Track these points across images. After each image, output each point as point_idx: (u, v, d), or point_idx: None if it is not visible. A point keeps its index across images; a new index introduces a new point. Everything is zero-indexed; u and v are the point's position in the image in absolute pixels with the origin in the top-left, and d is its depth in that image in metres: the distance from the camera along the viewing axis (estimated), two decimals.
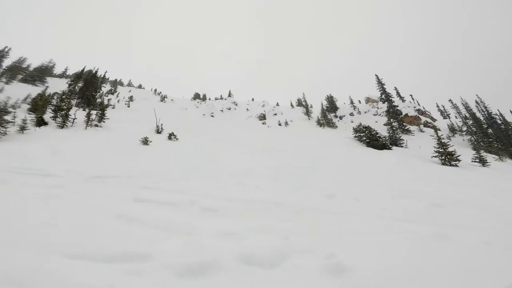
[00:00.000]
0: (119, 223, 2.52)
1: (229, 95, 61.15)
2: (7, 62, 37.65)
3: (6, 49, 35.87)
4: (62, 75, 53.02)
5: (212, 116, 41.25)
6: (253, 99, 63.20)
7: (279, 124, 35.92)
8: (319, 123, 36.71)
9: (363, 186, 6.76)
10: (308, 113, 43.08)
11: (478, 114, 35.61)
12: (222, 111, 46.00)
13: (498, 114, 35.25)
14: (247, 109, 48.58)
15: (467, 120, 35.58)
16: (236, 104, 53.46)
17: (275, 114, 43.60)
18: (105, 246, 1.98)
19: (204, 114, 41.16)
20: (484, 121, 34.24)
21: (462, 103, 38.58)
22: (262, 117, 41.92)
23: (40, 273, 1.50)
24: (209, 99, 61.97)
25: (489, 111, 35.08)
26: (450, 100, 42.04)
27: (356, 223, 3.46)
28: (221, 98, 60.71)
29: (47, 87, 34.87)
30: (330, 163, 10.77)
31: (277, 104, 57.27)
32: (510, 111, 39.97)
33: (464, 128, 35.49)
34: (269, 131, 27.84)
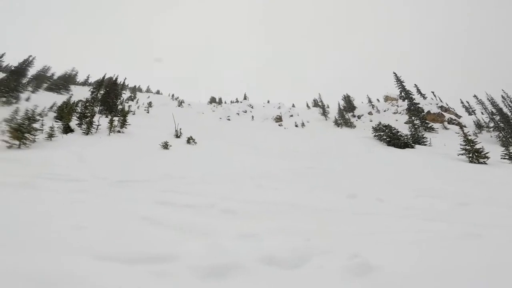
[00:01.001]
0: (144, 226, 2.58)
1: (245, 98, 61.49)
2: (32, 71, 39.55)
3: (31, 58, 37.70)
4: (85, 83, 55.27)
5: (229, 119, 41.59)
6: (268, 101, 63.22)
7: (296, 126, 35.65)
8: (337, 123, 36.13)
9: (384, 186, 6.58)
10: (325, 113, 42.53)
11: (505, 109, 33.80)
12: (238, 114, 46.31)
13: None
14: (263, 112, 48.60)
15: (494, 116, 33.80)
16: (252, 107, 53.65)
17: (291, 116, 43.37)
18: (131, 248, 2.04)
19: (220, 118, 41.59)
20: None
21: (488, 99, 36.72)
22: (279, 119, 41.80)
23: (71, 275, 1.55)
24: (225, 102, 62.62)
25: None
26: (475, 96, 40.12)
27: (379, 223, 3.37)
28: (237, 101, 61.17)
29: (72, 95, 36.36)
30: (350, 164, 10.57)
31: (293, 106, 56.97)
32: None
33: (491, 124, 33.71)
34: (285, 132, 27.70)
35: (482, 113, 38.09)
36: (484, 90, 39.39)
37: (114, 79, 32.96)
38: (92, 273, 1.61)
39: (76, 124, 12.87)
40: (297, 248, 2.26)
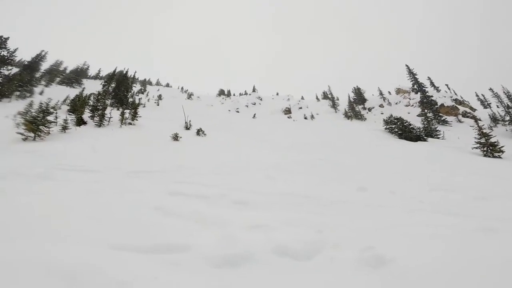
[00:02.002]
0: (157, 216, 2.61)
1: (253, 90, 61.19)
2: (44, 66, 40.40)
3: (43, 53, 38.46)
4: (96, 77, 56.05)
5: (238, 111, 41.55)
6: (277, 94, 62.83)
7: (305, 118, 35.36)
8: (347, 116, 35.66)
9: (397, 179, 6.49)
10: (334, 105, 42.01)
11: None
12: (247, 106, 46.22)
13: None
14: (272, 104, 48.33)
15: (510, 109, 32.70)
16: (261, 99, 53.42)
17: (300, 108, 43.02)
18: (145, 238, 2.06)
19: (229, 110, 41.60)
20: None
21: (504, 92, 35.50)
22: (287, 111, 41.53)
23: (88, 266, 1.57)
24: (234, 95, 62.51)
25: None
26: (490, 89, 38.81)
27: (393, 216, 3.32)
28: (246, 94, 60.98)
29: (84, 88, 36.93)
30: (360, 156, 10.44)
31: (302, 98, 56.44)
32: None
33: (507, 118, 32.65)
34: (295, 125, 27.52)
35: (497, 106, 36.88)
36: (500, 83, 38.07)
37: (124, 72, 33.27)
38: (108, 263, 1.63)
39: (88, 117, 13.09)
40: (309, 240, 2.25)
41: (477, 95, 46.20)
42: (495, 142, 14.11)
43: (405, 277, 1.71)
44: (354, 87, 46.34)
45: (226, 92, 64.37)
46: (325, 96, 53.15)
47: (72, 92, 32.32)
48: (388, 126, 22.09)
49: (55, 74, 42.33)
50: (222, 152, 8.99)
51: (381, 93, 46.02)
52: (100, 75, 56.88)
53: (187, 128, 13.66)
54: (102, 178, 4.30)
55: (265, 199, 3.75)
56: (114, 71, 35.61)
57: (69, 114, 14.02)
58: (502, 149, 13.79)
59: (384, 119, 23.57)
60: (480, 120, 31.57)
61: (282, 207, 3.43)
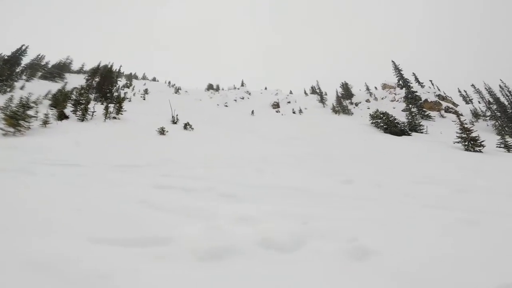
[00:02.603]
0: (142, 209, 2.56)
1: (242, 84, 60.88)
2: (25, 60, 38.94)
3: (24, 47, 37.05)
4: (80, 71, 54.54)
5: (226, 106, 41.32)
6: (266, 88, 62.77)
7: (293, 112, 35.53)
8: (334, 111, 36.06)
9: (382, 172, 6.61)
10: (322, 100, 42.37)
11: (502, 99, 33.96)
12: (235, 100, 46.00)
13: None
14: (261, 98, 48.30)
15: (491, 105, 33.94)
16: (249, 94, 53.27)
17: (289, 102, 43.17)
18: (128, 231, 2.02)
19: (218, 104, 41.30)
20: (509, 105, 32.58)
21: (485, 88, 36.79)
22: (276, 106, 41.62)
23: (65, 258, 1.54)
24: (222, 89, 62.02)
25: None
26: (472, 85, 40.11)
27: (378, 208, 3.37)
28: (234, 88, 60.60)
29: (66, 83, 35.90)
30: (347, 150, 10.59)
31: (291, 92, 56.64)
32: None
33: (488, 113, 33.89)
34: (283, 119, 27.62)
35: (479, 102, 38.20)
36: (482, 79, 39.31)
37: (109, 66, 32.43)
38: (89, 256, 1.60)
39: (71, 111, 12.70)
40: (296, 232, 2.24)
41: (459, 91, 47.64)
42: (476, 136, 14.59)
43: (388, 269, 1.73)
44: (342, 82, 46.86)
45: (215, 87, 63.73)
46: (313, 91, 53.43)
47: (54, 86, 31.27)
48: (374, 121, 22.46)
49: (37, 69, 40.88)
50: (209, 146, 8.90)
51: (368, 89, 46.72)
52: (84, 69, 55.28)
53: (174, 122, 13.46)
54: (85, 172, 4.20)
55: (252, 192, 3.74)
56: (98, 65, 34.69)
57: (50, 109, 13.57)
58: (482, 143, 14.27)
59: (370, 114, 23.96)
60: (462, 115, 32.63)
61: (270, 200, 3.43)
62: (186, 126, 12.37)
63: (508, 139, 17.06)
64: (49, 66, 46.21)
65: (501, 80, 36.04)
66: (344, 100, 41.69)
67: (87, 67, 54.25)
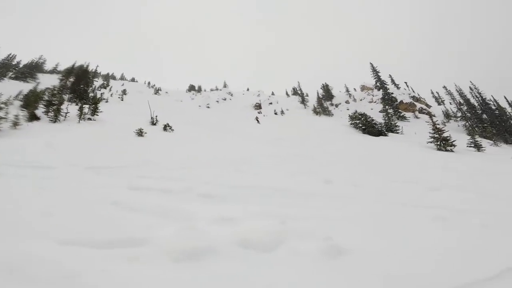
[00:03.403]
0: (114, 211, 2.49)
1: (224, 85, 60.63)
2: None
3: None
4: (53, 71, 52.24)
5: (208, 107, 40.94)
6: (248, 89, 62.85)
7: (275, 113, 35.76)
8: (315, 112, 36.66)
9: (360, 172, 6.79)
10: (304, 101, 42.97)
11: (472, 100, 35.88)
12: (217, 101, 45.69)
13: (492, 99, 35.54)
14: (243, 99, 48.31)
15: (462, 106, 35.82)
16: (232, 95, 53.11)
17: (271, 103, 43.40)
18: (99, 233, 1.96)
19: (199, 106, 40.85)
20: (479, 106, 34.51)
21: (457, 90, 38.79)
22: (258, 107, 41.73)
23: (30, 259, 1.49)
24: (204, 90, 61.39)
25: (483, 97, 35.34)
26: (444, 87, 42.16)
27: (354, 207, 3.46)
28: (217, 89, 60.22)
29: (38, 83, 34.25)
30: (327, 150, 10.79)
31: (272, 94, 57.04)
32: (504, 96, 40.30)
33: (459, 114, 35.73)
34: (265, 120, 27.74)
35: (450, 103, 40.18)
36: (453, 81, 41.40)
37: (85, 66, 31.26)
38: (56, 257, 1.55)
39: (42, 112, 12.12)
40: (274, 232, 2.27)
41: (432, 93, 49.91)
42: (447, 137, 15.31)
43: (362, 266, 1.78)
44: (322, 84, 47.69)
45: (196, 88, 62.94)
46: (295, 92, 54.03)
47: (26, 87, 29.66)
48: (353, 122, 23.03)
49: (7, 68, 38.78)
50: (190, 147, 8.77)
51: (347, 90, 47.90)
52: (58, 69, 52.93)
53: (153, 123, 13.14)
54: (57, 174, 4.01)
55: (232, 192, 3.73)
56: (73, 65, 33.33)
57: (21, 110, 12.89)
58: (453, 143, 15.00)
59: (349, 115, 24.57)
60: (434, 116, 34.14)
61: (249, 200, 3.43)
62: (166, 127, 12.11)
63: (478, 138, 18.05)
64: (21, 66, 44.03)
65: (471, 82, 38.11)
66: (325, 101, 42.48)
67: (62, 67, 52.12)
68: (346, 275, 1.67)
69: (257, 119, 18.60)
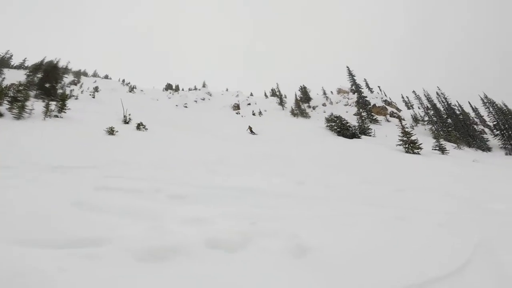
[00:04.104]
0: (78, 211, 2.39)
1: (204, 85, 59.86)
2: None
3: None
4: (20, 66, 49.21)
5: (186, 106, 40.25)
6: (227, 89, 62.56)
7: (253, 114, 35.88)
8: (293, 113, 37.19)
9: (332, 173, 6.97)
10: (282, 103, 43.42)
11: (438, 105, 37.99)
12: (196, 101, 45.05)
13: (457, 105, 37.90)
14: (221, 100, 47.99)
15: (429, 111, 37.87)
16: (210, 95, 52.60)
17: (249, 104, 43.46)
18: (58, 233, 1.89)
19: (177, 105, 40.05)
20: (444, 111, 36.63)
21: (425, 95, 40.95)
22: (236, 107, 41.64)
23: None
24: (182, 89, 60.28)
25: (449, 102, 37.56)
26: (413, 92, 44.41)
27: (324, 207, 3.56)
28: (195, 89, 59.34)
29: (4, 78, 32.08)
30: (302, 152, 10.99)
31: (251, 94, 57.15)
32: (469, 102, 43.20)
33: (426, 118, 37.75)
34: (243, 120, 27.74)
35: (418, 107, 42.41)
36: (422, 86, 43.71)
37: (55, 62, 29.62)
38: (10, 258, 1.48)
39: (6, 109, 11.36)
40: (243, 232, 2.29)
41: (402, 97, 52.41)
42: (415, 140, 16.14)
43: (326, 264, 1.85)
44: (300, 86, 48.45)
45: (174, 87, 61.59)
46: (273, 94, 54.49)
47: None
48: (328, 124, 23.64)
49: None
50: (164, 147, 8.57)
51: (324, 93, 49.05)
52: (26, 64, 49.82)
53: (126, 122, 12.69)
54: (17, 173, 3.77)
55: (204, 193, 3.70)
56: (42, 60, 31.50)
57: None
58: (420, 146, 15.84)
59: (325, 118, 25.22)
60: (403, 120, 35.89)
61: (220, 201, 3.42)
62: (139, 126, 11.75)
63: (442, 142, 19.21)
64: None
65: (438, 87, 40.41)
66: (303, 104, 43.20)
67: (30, 63, 49.13)
68: (308, 273, 1.72)
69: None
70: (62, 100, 12.47)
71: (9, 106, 11.57)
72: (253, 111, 37.25)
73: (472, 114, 41.18)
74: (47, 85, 23.16)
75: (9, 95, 12.44)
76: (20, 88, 12.82)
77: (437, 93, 39.66)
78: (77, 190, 3.08)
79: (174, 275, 1.55)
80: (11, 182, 3.21)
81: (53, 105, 12.17)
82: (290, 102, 44.28)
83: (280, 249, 1.99)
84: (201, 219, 2.50)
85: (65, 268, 1.44)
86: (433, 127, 33.45)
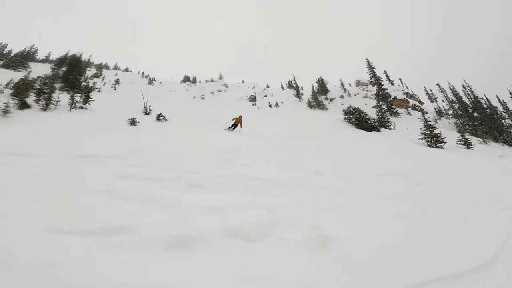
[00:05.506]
0: (102, 199, 2.48)
1: (220, 77, 60.04)
2: None
3: None
4: (45, 60, 51.41)
5: (203, 98, 40.63)
6: (243, 81, 62.42)
7: (270, 106, 35.72)
8: (310, 105, 36.72)
9: (350, 165, 6.88)
10: (298, 95, 42.92)
11: (464, 98, 36.28)
12: (212, 93, 45.35)
13: (484, 98, 36.02)
14: (238, 91, 48.05)
15: (454, 104, 36.26)
16: (227, 86, 52.74)
17: (265, 96, 43.27)
18: (86, 220, 1.96)
19: (194, 97, 40.51)
20: (470, 105, 34.94)
21: (449, 87, 39.16)
22: (253, 99, 41.58)
23: (14, 248, 1.49)
24: (199, 81, 60.75)
25: (475, 96, 35.78)
26: (437, 84, 42.54)
27: (342, 198, 3.53)
28: (212, 81, 59.64)
29: (30, 72, 33.63)
30: (319, 143, 10.86)
31: (267, 86, 56.77)
32: (496, 95, 40.93)
33: (451, 112, 36.18)
34: (259, 112, 27.70)
35: (443, 100, 40.64)
36: (447, 79, 41.72)
37: (78, 56, 30.72)
38: (43, 245, 1.55)
39: (33, 100, 11.91)
40: (262, 221, 2.30)
41: (425, 90, 50.34)
42: (438, 133, 15.51)
43: (348, 256, 1.84)
44: (318, 78, 47.61)
45: (191, 79, 62.19)
46: (290, 86, 53.84)
47: (17, 75, 28.99)
48: (346, 116, 23.14)
49: None
50: (182, 137, 8.74)
51: (342, 85, 47.96)
52: (50, 58, 51.97)
53: (147, 113, 12.99)
54: (44, 162, 3.95)
55: (222, 182, 3.75)
56: (66, 54, 32.75)
57: (12, 98, 12.61)
58: (444, 140, 15.22)
59: (343, 110, 24.69)
60: (426, 113, 34.56)
61: (239, 190, 3.45)
62: (159, 117, 12.01)
63: (467, 136, 18.36)
64: (12, 55, 43.16)
65: (464, 80, 38.50)
66: (320, 96, 42.48)
67: (55, 57, 51.24)
68: (330, 263, 1.72)
69: (251, 110, 18.21)
70: (87, 92, 12.87)
71: (36, 98, 12.12)
72: (269, 103, 37.09)
73: (500, 108, 39.01)
74: (71, 77, 24.03)
75: (35, 87, 13.03)
76: (46, 81, 13.36)
77: (463, 86, 37.83)
78: (103, 179, 3.19)
79: (199, 262, 1.60)
80: (40, 170, 3.36)
81: (78, 97, 12.61)
82: (307, 94, 43.62)
83: (301, 240, 1.99)
84: (220, 208, 2.54)
85: (96, 256, 1.51)
86: (458, 121, 32.04)
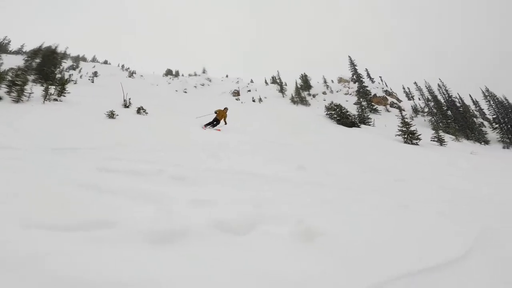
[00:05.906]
0: (82, 192, 2.36)
1: (203, 71, 59.18)
2: None
3: None
4: (18, 52, 48.93)
5: (185, 92, 39.97)
6: (227, 76, 61.95)
7: (253, 101, 35.71)
8: (293, 101, 37.06)
9: (332, 161, 7.01)
10: (282, 90, 43.17)
11: (439, 97, 37.95)
12: (195, 87, 44.74)
13: (458, 97, 37.84)
14: (221, 86, 47.63)
15: (429, 102, 37.83)
16: (210, 80, 52.17)
17: (249, 91, 43.22)
18: (65, 215, 1.86)
19: (176, 90, 39.76)
20: (445, 103, 36.59)
21: (426, 86, 40.84)
22: (236, 93, 41.41)
23: None
24: (182, 75, 59.62)
25: (450, 94, 37.50)
26: (415, 83, 44.22)
27: (326, 193, 3.58)
28: (195, 75, 58.72)
29: (2, 63, 31.65)
30: (304, 139, 10.98)
31: (251, 81, 56.66)
32: (469, 95, 43.10)
33: (426, 109, 37.73)
34: (243, 107, 27.60)
35: (419, 99, 42.34)
36: (424, 78, 43.46)
37: (53, 48, 29.23)
38: (18, 239, 1.47)
39: (5, 92, 11.24)
40: (248, 215, 2.28)
41: (403, 88, 52.21)
42: (414, 130, 16.17)
43: (333, 249, 1.86)
44: (301, 74, 48.06)
45: (174, 72, 60.83)
46: (273, 81, 53.99)
47: None
48: (328, 112, 23.58)
49: None
50: (164, 131, 8.54)
51: (325, 81, 48.74)
52: (24, 50, 49.38)
53: (126, 106, 12.55)
54: (21, 155, 3.74)
55: (206, 175, 3.70)
56: (41, 46, 31.11)
57: None
58: (419, 137, 15.90)
59: (325, 106, 25.12)
60: (403, 110, 35.83)
61: (223, 184, 3.41)
62: (140, 110, 11.64)
63: (441, 133, 19.24)
64: None
65: (439, 79, 40.23)
66: (303, 91, 42.94)
67: (28, 48, 48.64)
68: (316, 257, 1.73)
69: (234, 105, 18.10)
70: (62, 84, 12.29)
71: (7, 90, 11.46)
72: (253, 98, 37.05)
73: (473, 107, 41.16)
74: (45, 69, 22.93)
75: (7, 79, 12.31)
76: (19, 72, 12.68)
77: (438, 84, 39.52)
78: (81, 172, 3.05)
79: (186, 256, 1.56)
80: (18, 163, 3.18)
81: (52, 89, 12.03)
82: (290, 90, 43.97)
83: (288, 233, 2.00)
84: (206, 201, 2.50)
85: (77, 251, 1.44)
86: (433, 119, 33.49)
